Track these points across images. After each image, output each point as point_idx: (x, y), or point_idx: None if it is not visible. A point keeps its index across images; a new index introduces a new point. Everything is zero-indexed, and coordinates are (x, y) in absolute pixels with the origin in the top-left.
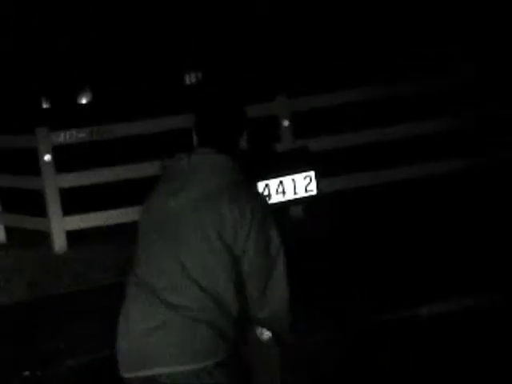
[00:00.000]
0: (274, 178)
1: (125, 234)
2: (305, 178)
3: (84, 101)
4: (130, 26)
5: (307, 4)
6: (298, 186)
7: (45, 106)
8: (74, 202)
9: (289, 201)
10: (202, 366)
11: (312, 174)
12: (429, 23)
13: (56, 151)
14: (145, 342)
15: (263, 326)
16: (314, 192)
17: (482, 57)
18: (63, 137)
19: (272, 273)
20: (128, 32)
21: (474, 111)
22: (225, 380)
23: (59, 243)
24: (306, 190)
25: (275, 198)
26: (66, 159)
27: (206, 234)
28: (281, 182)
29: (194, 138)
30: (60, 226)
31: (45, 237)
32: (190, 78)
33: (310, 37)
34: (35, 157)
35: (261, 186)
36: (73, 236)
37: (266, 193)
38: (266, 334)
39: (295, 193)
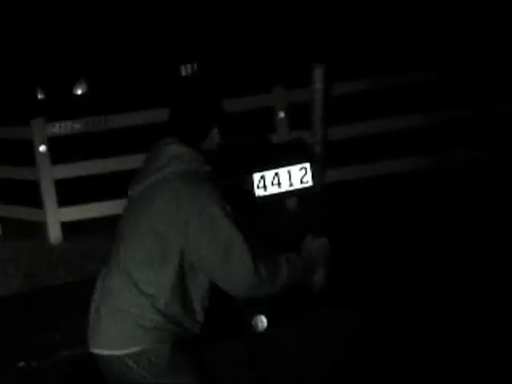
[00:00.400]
0: (269, 169)
1: None
2: (300, 169)
3: (79, 92)
4: (128, 16)
5: (307, 3)
6: (294, 177)
7: (40, 96)
8: (69, 193)
9: (284, 192)
10: (128, 352)
11: (307, 165)
12: (429, 23)
13: (51, 142)
14: (90, 325)
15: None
16: (310, 184)
17: (482, 57)
18: (58, 128)
19: (228, 260)
20: (125, 22)
21: (473, 108)
22: (154, 365)
23: (54, 234)
24: (301, 182)
25: (271, 190)
26: (62, 150)
27: (141, 226)
28: (276, 174)
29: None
30: (55, 217)
31: (40, 228)
32: (185, 70)
33: (309, 36)
34: (30, 148)
35: (256, 177)
36: (68, 227)
37: (261, 184)
38: (262, 325)
39: (291, 184)
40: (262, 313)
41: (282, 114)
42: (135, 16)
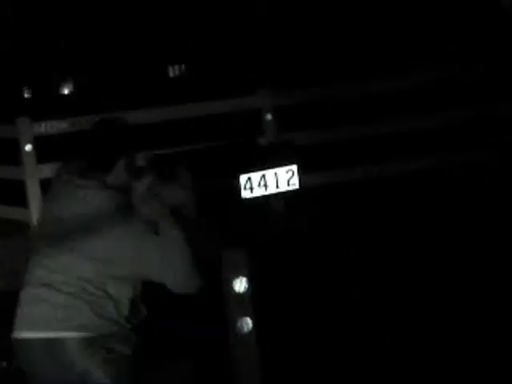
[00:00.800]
0: (256, 171)
1: None
2: (287, 171)
3: (66, 91)
4: (119, 17)
5: (307, 3)
6: (281, 179)
7: (26, 95)
8: None
9: (271, 194)
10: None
11: (294, 167)
12: (429, 23)
13: (37, 141)
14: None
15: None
16: (297, 186)
17: (482, 57)
18: (45, 127)
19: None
20: (115, 23)
21: (473, 108)
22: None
23: None
24: (288, 184)
25: (257, 192)
26: (48, 149)
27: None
28: (263, 176)
29: None
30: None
31: (25, 227)
32: (173, 71)
33: (309, 36)
34: (16, 147)
35: (243, 179)
36: None
37: (248, 186)
38: (247, 327)
39: (277, 186)
40: (247, 315)
41: (269, 116)
42: (132, 16)
